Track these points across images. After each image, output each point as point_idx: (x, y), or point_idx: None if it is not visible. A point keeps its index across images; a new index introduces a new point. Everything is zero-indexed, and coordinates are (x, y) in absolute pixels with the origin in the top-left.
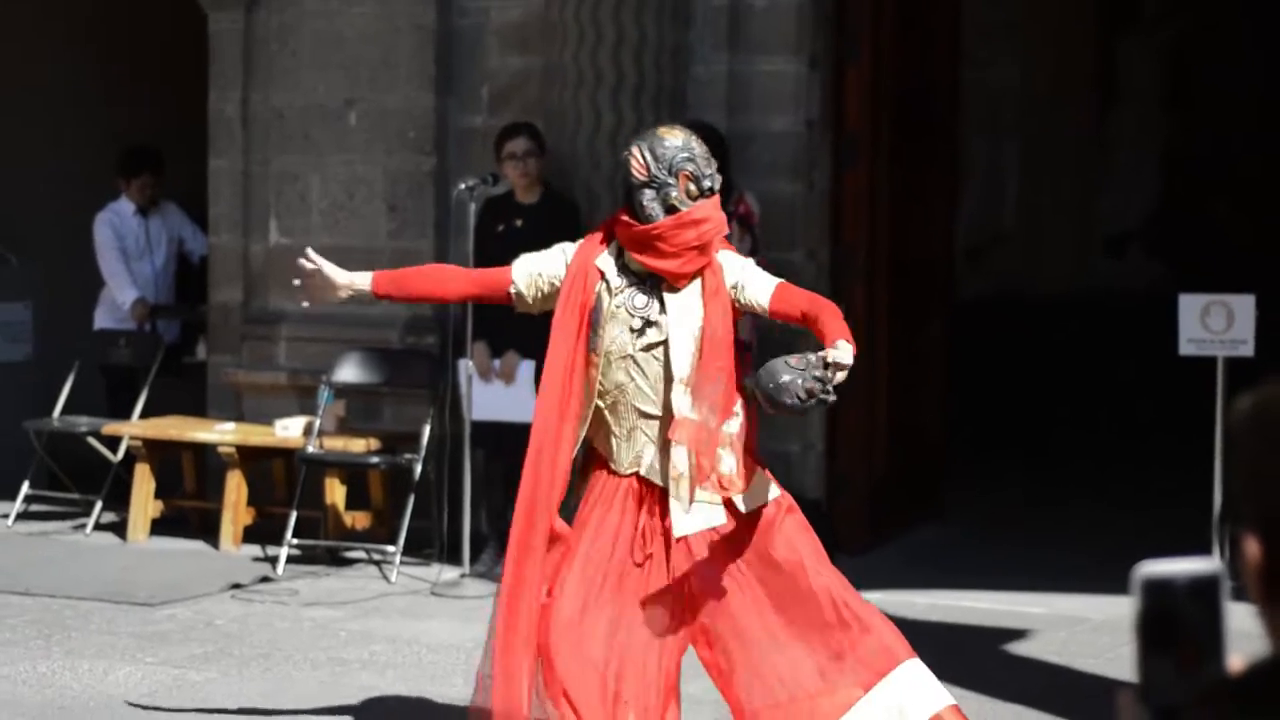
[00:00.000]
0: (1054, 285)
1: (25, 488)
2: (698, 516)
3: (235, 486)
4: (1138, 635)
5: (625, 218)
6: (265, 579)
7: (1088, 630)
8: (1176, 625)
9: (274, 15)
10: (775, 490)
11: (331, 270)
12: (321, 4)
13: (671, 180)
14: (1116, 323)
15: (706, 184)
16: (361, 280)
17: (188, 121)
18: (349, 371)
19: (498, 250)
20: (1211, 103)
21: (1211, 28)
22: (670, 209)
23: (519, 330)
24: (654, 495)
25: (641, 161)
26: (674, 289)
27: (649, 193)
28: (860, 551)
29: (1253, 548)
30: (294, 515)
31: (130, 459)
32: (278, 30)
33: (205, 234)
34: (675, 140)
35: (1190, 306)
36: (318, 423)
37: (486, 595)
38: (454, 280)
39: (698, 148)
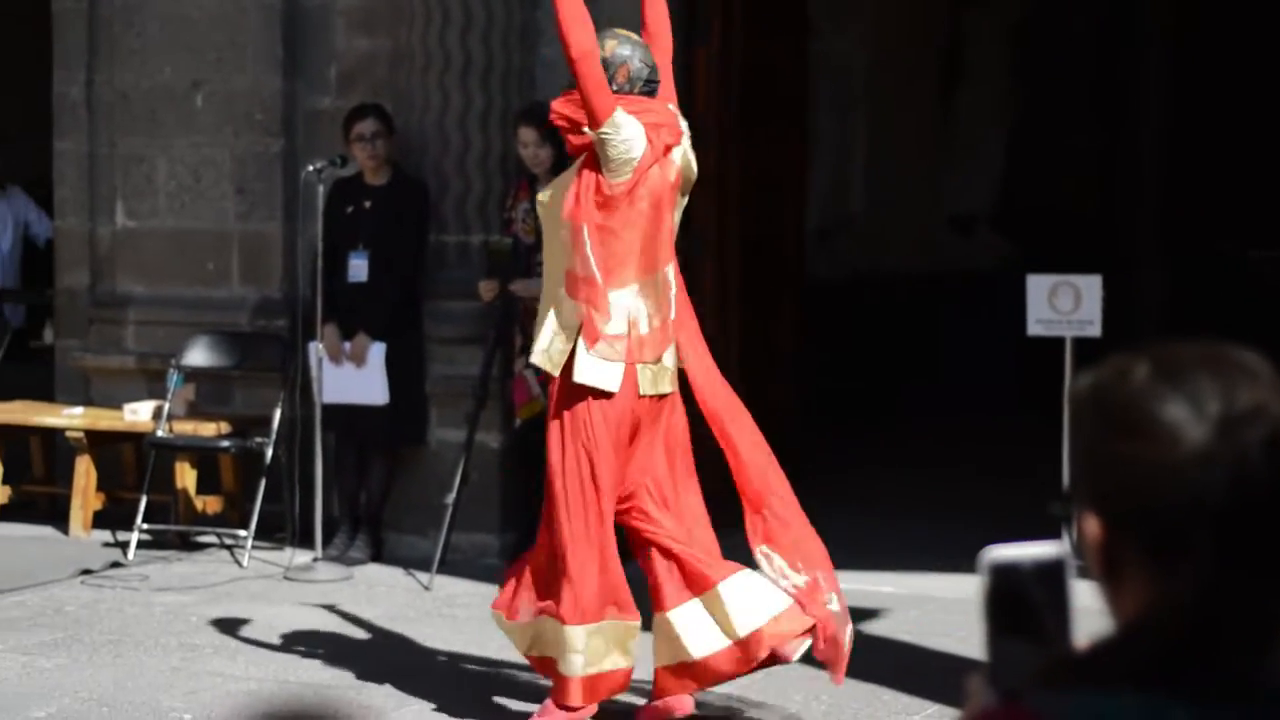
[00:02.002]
0: (903, 264)
1: None
2: None
3: (84, 471)
4: (986, 619)
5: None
6: (115, 564)
7: (939, 609)
8: (1024, 608)
9: None
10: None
11: None
12: None
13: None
14: (967, 301)
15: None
16: None
17: (33, 103)
18: (198, 355)
19: (347, 232)
20: (1054, 80)
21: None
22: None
23: (370, 312)
24: None
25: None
26: None
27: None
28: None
29: (1092, 526)
30: (144, 500)
31: None
32: (122, 10)
33: (50, 217)
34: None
35: (1038, 287)
36: (167, 407)
37: (339, 579)
38: None
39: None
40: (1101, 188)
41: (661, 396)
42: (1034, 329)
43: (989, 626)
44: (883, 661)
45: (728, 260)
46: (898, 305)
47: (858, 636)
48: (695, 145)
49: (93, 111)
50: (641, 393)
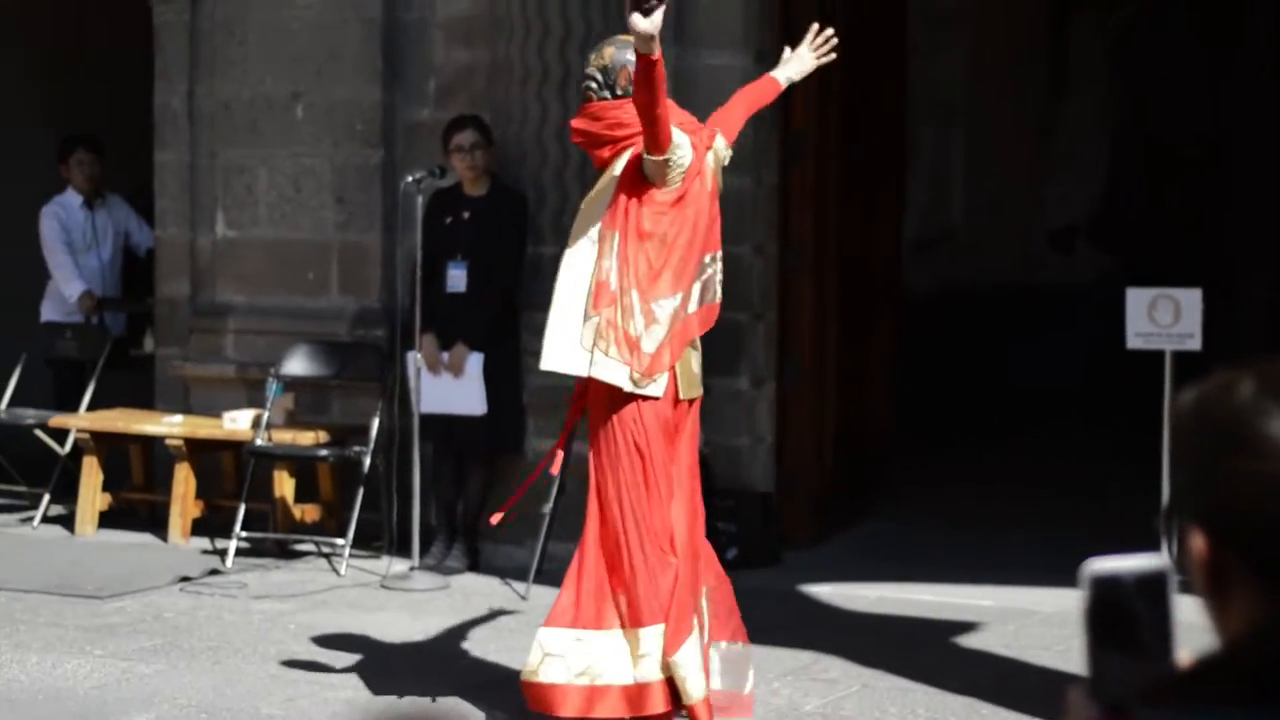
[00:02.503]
0: (1002, 278)
1: None
2: None
3: (183, 479)
4: (1086, 631)
5: None
6: (214, 572)
7: (1037, 623)
8: (1125, 621)
9: (219, 7)
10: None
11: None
12: None
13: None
14: (1066, 316)
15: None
16: None
17: (135, 115)
18: (297, 364)
19: (445, 243)
20: (1159, 93)
21: (1157, 16)
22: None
23: (468, 323)
24: None
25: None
26: None
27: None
28: (809, 545)
29: (1198, 542)
30: (243, 508)
31: (78, 451)
32: (223, 22)
33: (151, 227)
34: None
35: (1137, 300)
36: (266, 415)
37: (436, 588)
38: None
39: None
40: (1205, 199)
41: (691, 402)
42: (1133, 342)
43: (1089, 639)
44: (981, 675)
45: (825, 274)
46: (994, 318)
47: (955, 650)
48: (793, 160)
49: (194, 122)
50: (681, 396)
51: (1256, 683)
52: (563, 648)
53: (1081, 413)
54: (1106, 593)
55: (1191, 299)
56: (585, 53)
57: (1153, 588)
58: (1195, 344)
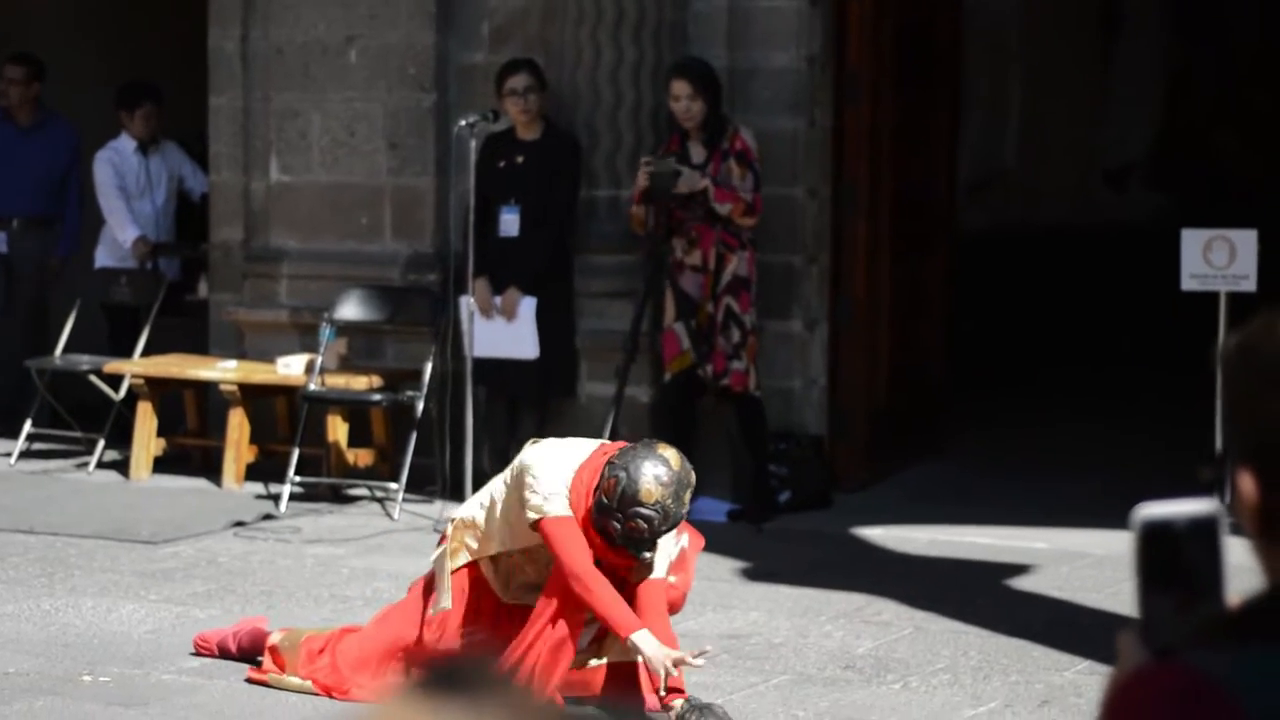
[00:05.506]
0: (1055, 218)
1: (27, 426)
2: None
3: (237, 424)
4: (1137, 576)
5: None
6: (268, 516)
7: (1089, 565)
8: (1176, 565)
9: None
10: None
11: None
12: None
13: (619, 517)
14: (1119, 256)
15: (648, 539)
16: None
17: (188, 59)
18: (350, 309)
19: (498, 187)
20: (1217, 31)
21: None
22: (606, 534)
23: (521, 266)
24: None
25: (611, 481)
26: None
27: (601, 514)
28: (861, 487)
29: (1247, 483)
30: (296, 453)
31: (132, 397)
32: None
33: (205, 173)
34: (651, 485)
35: (1193, 241)
36: (319, 360)
37: None
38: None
39: (669, 504)
40: (1266, 139)
41: None
42: (1188, 284)
43: (1140, 583)
44: (1033, 617)
45: (879, 215)
46: (1049, 258)
47: (1007, 592)
48: (847, 100)
49: (248, 67)
50: None
51: None
52: None
53: (1135, 354)
54: (1157, 537)
55: (1247, 240)
56: None
57: (1204, 531)
58: (1250, 285)
